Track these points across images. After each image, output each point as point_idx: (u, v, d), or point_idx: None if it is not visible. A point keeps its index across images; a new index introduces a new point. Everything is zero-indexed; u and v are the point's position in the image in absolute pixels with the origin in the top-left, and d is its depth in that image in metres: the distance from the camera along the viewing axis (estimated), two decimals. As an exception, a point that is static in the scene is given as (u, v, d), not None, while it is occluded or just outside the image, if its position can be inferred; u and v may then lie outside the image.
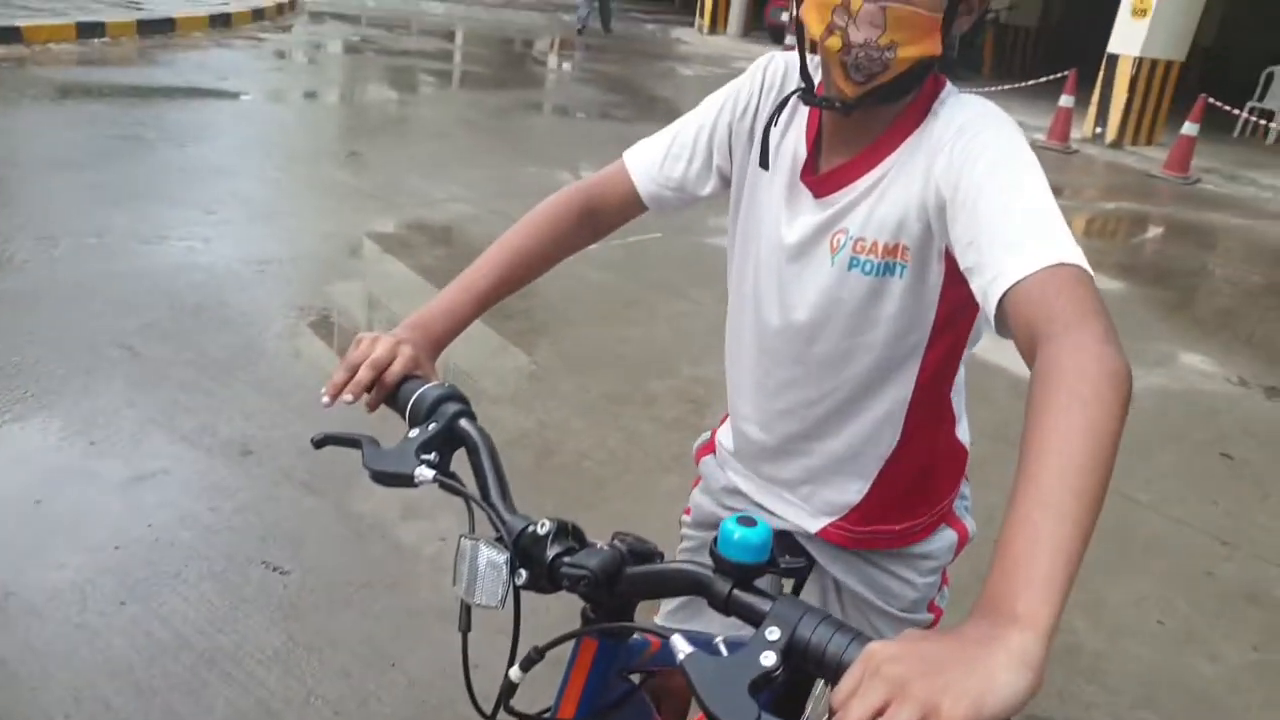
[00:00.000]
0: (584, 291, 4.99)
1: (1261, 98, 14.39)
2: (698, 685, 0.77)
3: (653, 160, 1.43)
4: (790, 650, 0.79)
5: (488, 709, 1.06)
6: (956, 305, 1.22)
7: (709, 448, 1.64)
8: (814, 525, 1.45)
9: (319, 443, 1.13)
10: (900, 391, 1.32)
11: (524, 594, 1.00)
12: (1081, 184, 10.86)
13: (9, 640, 2.45)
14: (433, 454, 1.07)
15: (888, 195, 1.20)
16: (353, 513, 3.12)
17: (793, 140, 1.31)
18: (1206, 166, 11.54)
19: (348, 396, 1.16)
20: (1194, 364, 5.53)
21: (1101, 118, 12.70)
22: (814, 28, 1.15)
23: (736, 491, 1.54)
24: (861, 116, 1.21)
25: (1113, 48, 12.48)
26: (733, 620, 0.90)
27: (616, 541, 0.99)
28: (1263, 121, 13.89)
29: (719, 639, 0.86)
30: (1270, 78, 14.43)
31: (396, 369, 1.18)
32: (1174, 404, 4.91)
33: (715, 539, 0.90)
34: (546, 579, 0.97)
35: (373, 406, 1.20)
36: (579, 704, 1.11)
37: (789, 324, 1.32)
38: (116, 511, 2.99)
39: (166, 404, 3.59)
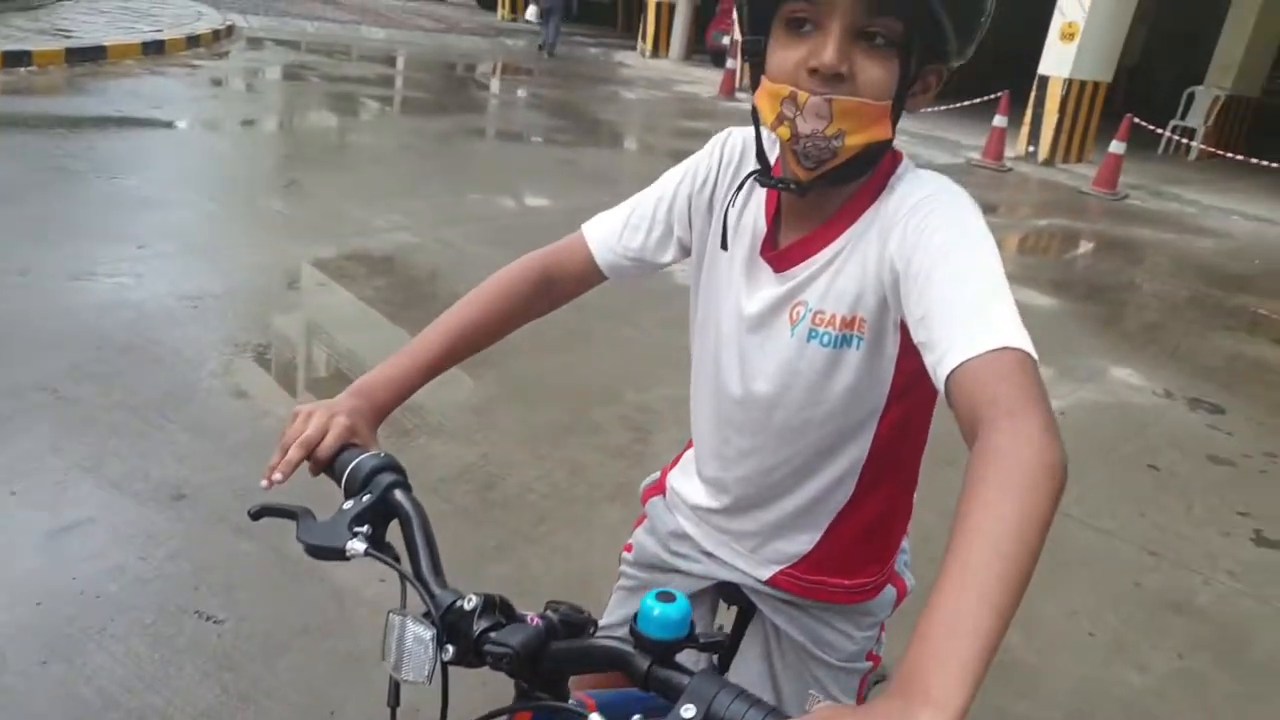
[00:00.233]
0: (526, 320, 4.89)
1: (1183, 116, 15.01)
2: None
3: (611, 231, 1.44)
4: None
5: None
6: (912, 375, 1.23)
7: (658, 488, 1.63)
8: (763, 573, 1.46)
9: (255, 515, 1.14)
10: (855, 454, 1.33)
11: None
12: (1016, 201, 11.09)
13: (-76, 705, 2.35)
14: (366, 526, 1.07)
15: (845, 269, 1.21)
16: (289, 556, 3.04)
17: (752, 215, 1.32)
18: (1134, 183, 11.92)
19: (277, 476, 1.15)
20: (1123, 377, 5.67)
21: (1034, 137, 13.10)
22: (766, 116, 1.17)
23: (685, 536, 1.54)
24: (817, 195, 1.22)
25: (1043, 69, 12.96)
26: None
27: (549, 612, 1.00)
28: (1185, 140, 14.42)
29: (636, 717, 0.89)
30: (1191, 97, 14.99)
31: (329, 442, 1.17)
32: (1105, 418, 5.03)
33: (635, 615, 0.91)
34: (473, 654, 0.98)
35: (314, 473, 1.19)
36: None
37: (749, 394, 1.34)
38: (39, 564, 2.88)
39: (94, 448, 3.48)
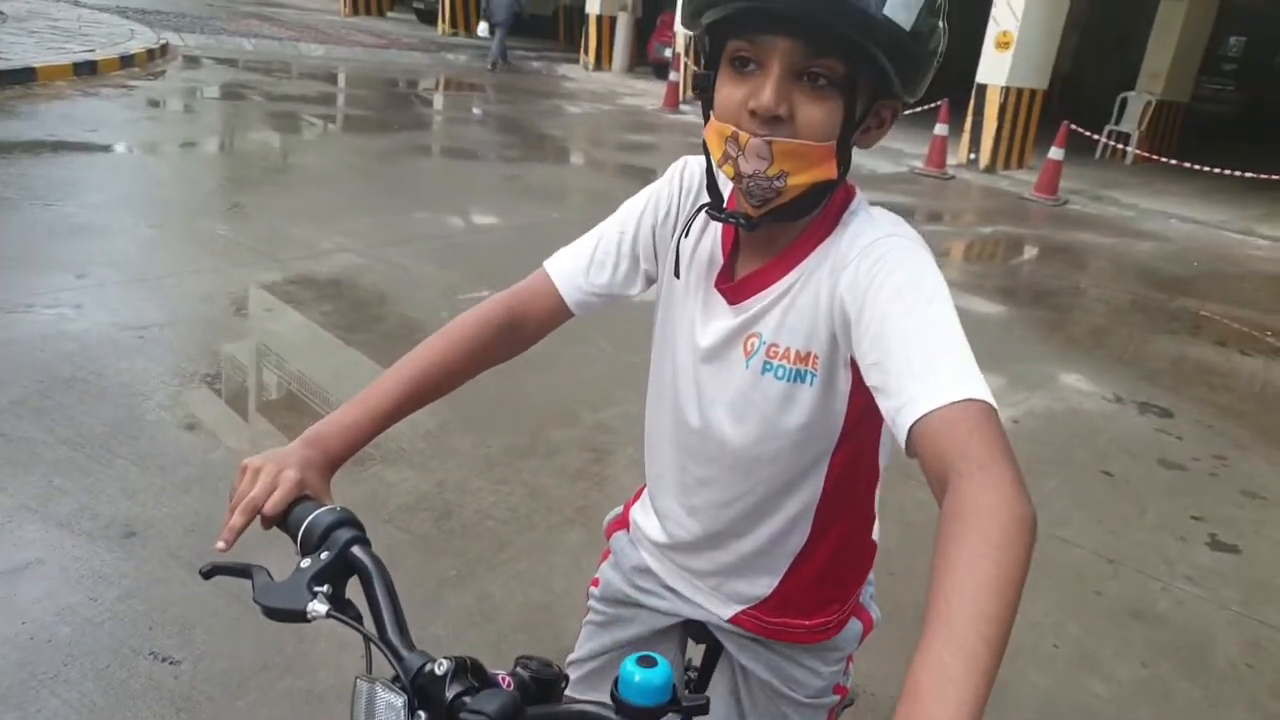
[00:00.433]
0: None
1: (1117, 121, 15.34)
2: None
3: (577, 268, 1.41)
4: None
5: None
6: (863, 411, 1.24)
7: (621, 523, 1.62)
8: (726, 612, 1.46)
9: (207, 574, 1.09)
10: (809, 493, 1.33)
11: None
12: (960, 209, 11.25)
13: None
14: (326, 585, 1.03)
15: (797, 303, 1.22)
16: (246, 591, 2.98)
17: (708, 246, 1.32)
18: (1073, 188, 12.17)
19: (219, 545, 1.11)
20: (1073, 383, 5.75)
21: (975, 144, 13.33)
22: (713, 153, 1.17)
23: (648, 572, 1.54)
24: (769, 229, 1.22)
25: (981, 78, 13.22)
26: None
27: (519, 669, 0.98)
28: (1120, 145, 14.80)
29: None
30: (1124, 103, 15.35)
31: (277, 499, 1.13)
32: (1057, 425, 5.10)
33: (616, 681, 0.90)
34: None
35: (265, 528, 1.15)
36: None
37: (706, 423, 1.34)
38: (-14, 610, 2.80)
39: (39, 487, 3.40)
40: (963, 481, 0.89)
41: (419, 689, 0.95)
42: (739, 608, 1.45)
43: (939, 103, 12.45)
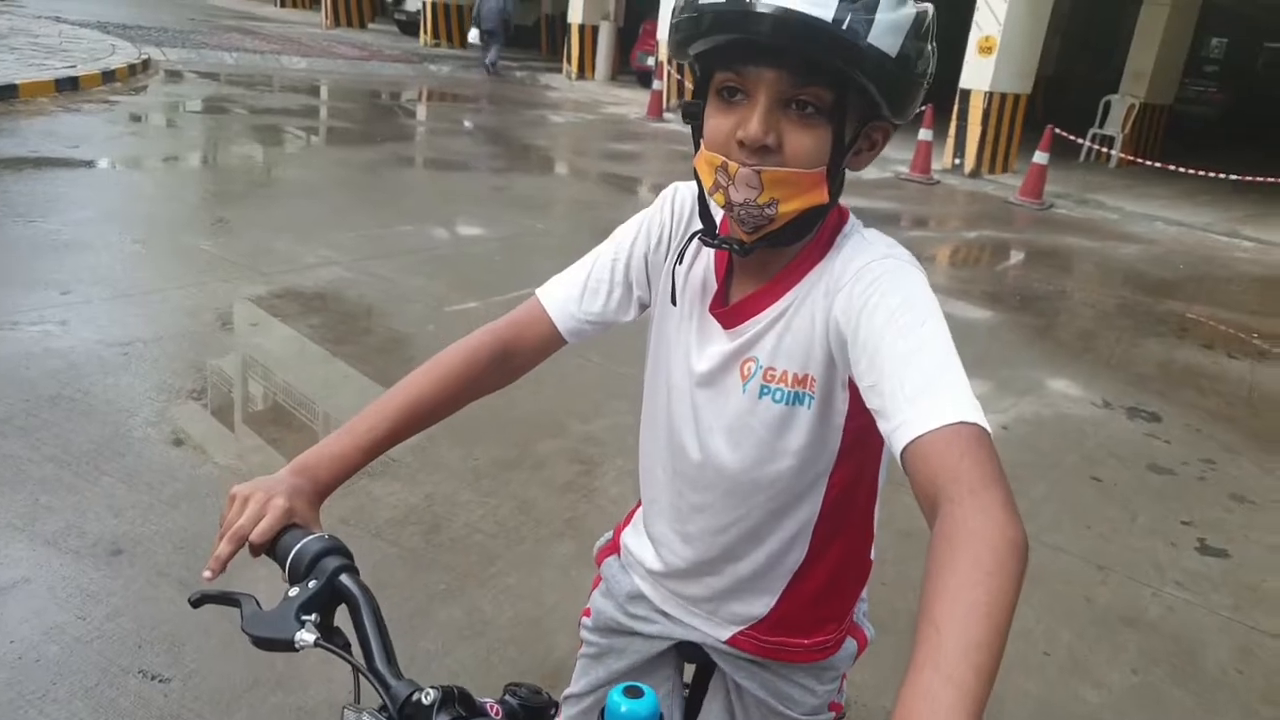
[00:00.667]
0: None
1: (1101, 124, 15.37)
2: None
3: (570, 296, 1.41)
4: None
5: None
6: (860, 433, 1.24)
7: (612, 548, 1.61)
8: (723, 634, 1.45)
9: (196, 603, 1.10)
10: (807, 513, 1.33)
11: None
12: (945, 214, 11.28)
13: None
14: (314, 614, 1.04)
15: (793, 326, 1.22)
16: (235, 609, 2.97)
17: (702, 271, 1.33)
18: (1058, 192, 12.21)
19: (206, 574, 1.11)
20: (1061, 388, 5.76)
21: (959, 149, 13.36)
22: (704, 181, 1.18)
23: (641, 597, 1.53)
24: (762, 254, 1.23)
25: (964, 83, 13.25)
26: None
27: (508, 697, 0.99)
28: (1104, 148, 14.84)
29: None
30: (1108, 106, 15.39)
31: (264, 527, 1.13)
32: (1045, 430, 5.10)
33: (602, 711, 0.90)
34: None
35: (254, 555, 1.15)
36: None
37: (703, 448, 1.34)
38: (-26, 630, 2.79)
39: (26, 505, 3.38)
40: (953, 506, 0.89)
41: (406, 718, 0.95)
42: (736, 629, 1.44)
43: (923, 108, 12.48)
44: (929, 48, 1.12)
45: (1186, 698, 3.13)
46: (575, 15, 20.84)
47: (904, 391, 1.00)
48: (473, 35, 20.47)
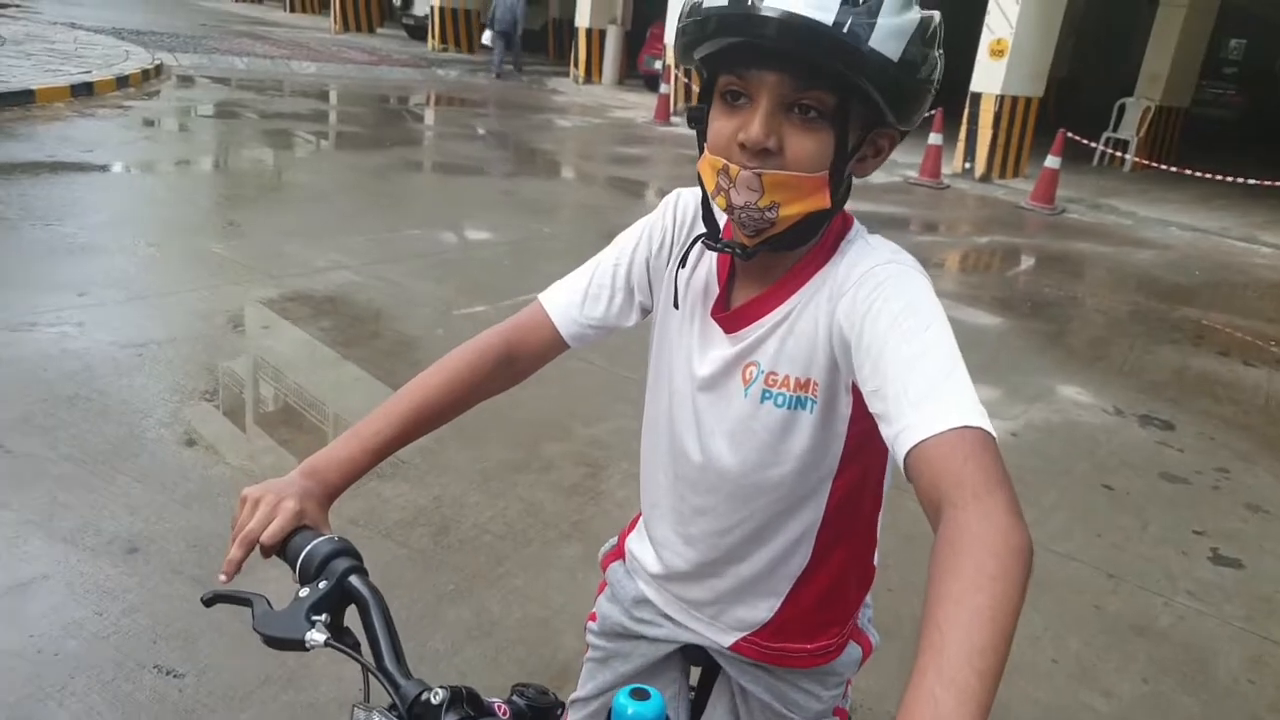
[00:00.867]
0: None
1: (1115, 128, 15.20)
2: None
3: (571, 301, 1.43)
4: None
5: None
6: (863, 437, 1.24)
7: (616, 554, 1.63)
8: (726, 640, 1.46)
9: (208, 602, 1.12)
10: (810, 517, 1.34)
11: None
12: (956, 218, 11.26)
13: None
14: (324, 614, 1.06)
15: (795, 330, 1.23)
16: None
17: (705, 275, 1.34)
18: (1070, 197, 12.11)
19: (221, 577, 1.15)
20: (1072, 395, 5.73)
21: (970, 153, 13.27)
22: (707, 185, 1.19)
23: (646, 602, 1.54)
24: (765, 258, 1.24)
25: (975, 87, 13.13)
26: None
27: (515, 698, 1.00)
28: (1118, 152, 14.68)
29: None
30: (1122, 109, 15.23)
31: (274, 529, 1.15)
32: (1056, 438, 5.08)
33: (608, 713, 0.91)
34: None
35: (265, 557, 1.18)
36: None
37: (705, 452, 1.35)
38: (-6, 624, 2.84)
39: (44, 503, 3.44)
40: (957, 511, 0.89)
41: (415, 718, 0.97)
42: (739, 635, 1.45)
43: (933, 112, 12.44)
44: (935, 54, 1.12)
45: (1195, 707, 3.11)
46: (583, 19, 20.89)
47: (907, 396, 1.00)
48: (486, 37, 20.57)
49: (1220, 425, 5.49)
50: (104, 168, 8.73)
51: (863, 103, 1.11)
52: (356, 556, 1.13)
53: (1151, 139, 15.38)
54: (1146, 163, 13.63)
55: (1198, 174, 12.06)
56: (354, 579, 1.09)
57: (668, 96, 16.61)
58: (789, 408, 1.25)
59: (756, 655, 1.46)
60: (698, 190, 1.30)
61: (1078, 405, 5.58)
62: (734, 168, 1.13)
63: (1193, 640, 3.46)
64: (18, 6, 20.63)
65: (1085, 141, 13.45)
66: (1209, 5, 15.38)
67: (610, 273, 1.42)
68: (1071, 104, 19.53)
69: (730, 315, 1.29)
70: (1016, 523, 0.88)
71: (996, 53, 12.79)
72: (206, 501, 3.56)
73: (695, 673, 1.62)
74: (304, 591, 1.08)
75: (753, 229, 1.18)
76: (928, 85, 1.13)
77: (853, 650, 1.51)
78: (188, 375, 4.63)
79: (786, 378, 1.24)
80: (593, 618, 1.64)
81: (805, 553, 1.37)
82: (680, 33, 1.16)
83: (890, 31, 1.05)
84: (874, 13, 1.04)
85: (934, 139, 12.67)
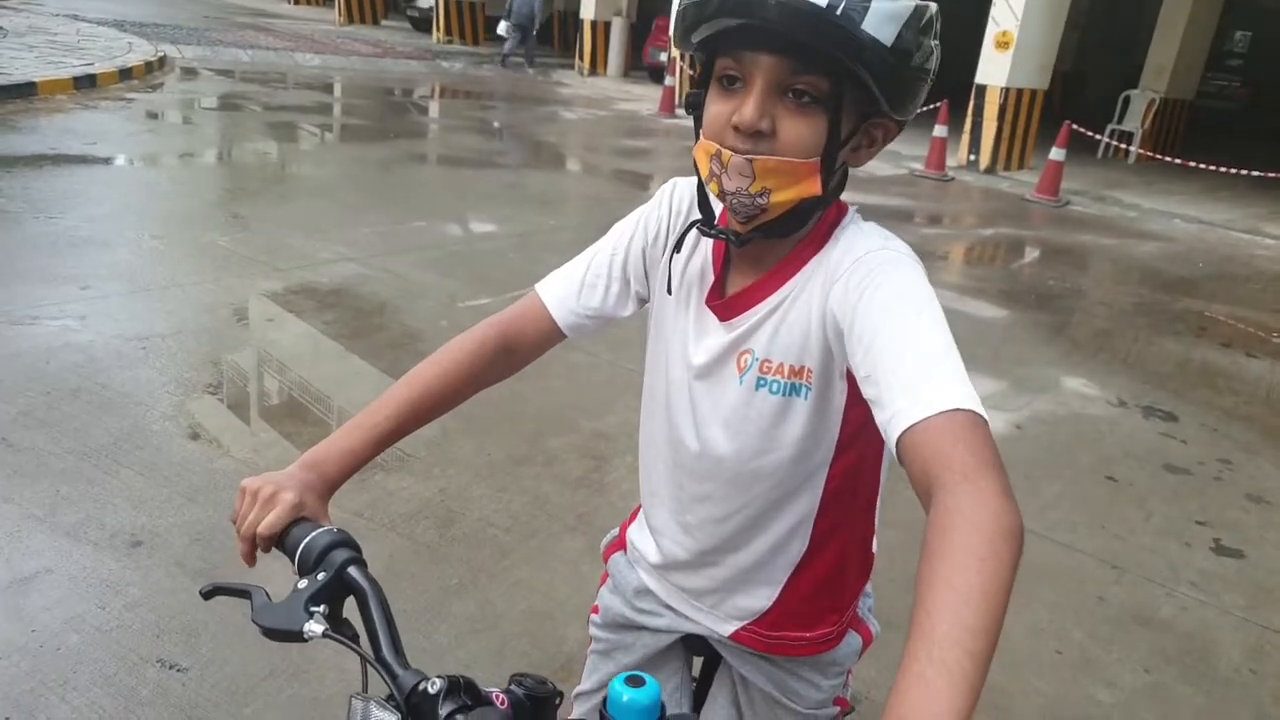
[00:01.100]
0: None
1: (1120, 120, 15.21)
2: None
3: (568, 292, 1.42)
4: None
5: None
6: (859, 424, 1.25)
7: (618, 545, 1.63)
8: (726, 629, 1.47)
9: (207, 594, 1.12)
10: (807, 504, 1.34)
11: None
12: (960, 211, 11.23)
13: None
14: (322, 606, 1.06)
15: (789, 318, 1.23)
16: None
17: (700, 263, 1.34)
18: (1075, 189, 12.10)
19: (244, 563, 1.17)
20: (1076, 387, 5.72)
21: (974, 146, 13.26)
22: (701, 170, 1.19)
23: (647, 592, 1.54)
24: (759, 245, 1.24)
25: (980, 79, 13.11)
26: None
27: (513, 687, 0.99)
28: (1122, 144, 14.68)
29: None
30: (1127, 101, 15.23)
31: (272, 520, 1.16)
32: (1060, 429, 5.08)
33: (604, 700, 0.92)
34: None
35: (264, 549, 1.19)
36: None
37: (701, 439, 1.35)
38: (-3, 618, 2.84)
39: (46, 497, 3.43)
40: (946, 493, 0.89)
41: (413, 707, 0.97)
42: (739, 624, 1.45)
43: (938, 104, 12.44)
44: (931, 43, 1.12)
45: (1198, 697, 3.12)
46: (588, 11, 20.89)
47: (898, 381, 1.00)
48: (502, 28, 20.54)
49: (1223, 416, 5.50)
50: (107, 160, 8.71)
51: (857, 89, 1.11)
52: (355, 548, 1.12)
53: (1156, 131, 15.38)
54: (1151, 155, 13.62)
55: (1202, 166, 12.05)
56: (352, 570, 1.09)
57: (673, 89, 16.59)
58: (784, 395, 1.25)
59: (756, 644, 1.46)
60: (694, 179, 1.30)
61: (1082, 397, 5.58)
62: (726, 153, 1.13)
63: (1195, 630, 3.47)
64: (21, -1, 20.62)
65: (1090, 134, 13.44)
66: (1215, -4, 15.36)
67: (606, 262, 1.42)
68: (1077, 96, 19.50)
69: (724, 303, 1.29)
70: (1007, 504, 0.88)
71: (1002, 45, 12.78)
72: (211, 495, 3.56)
73: (698, 663, 1.62)
74: (302, 583, 1.08)
75: (745, 215, 1.18)
76: (922, 74, 1.13)
77: (853, 639, 1.52)
78: (191, 368, 4.62)
79: (781, 365, 1.24)
80: (595, 610, 1.64)
81: (803, 540, 1.38)
82: (680, 16, 1.16)
83: (884, 16, 1.05)
84: None
85: (939, 131, 12.64)
